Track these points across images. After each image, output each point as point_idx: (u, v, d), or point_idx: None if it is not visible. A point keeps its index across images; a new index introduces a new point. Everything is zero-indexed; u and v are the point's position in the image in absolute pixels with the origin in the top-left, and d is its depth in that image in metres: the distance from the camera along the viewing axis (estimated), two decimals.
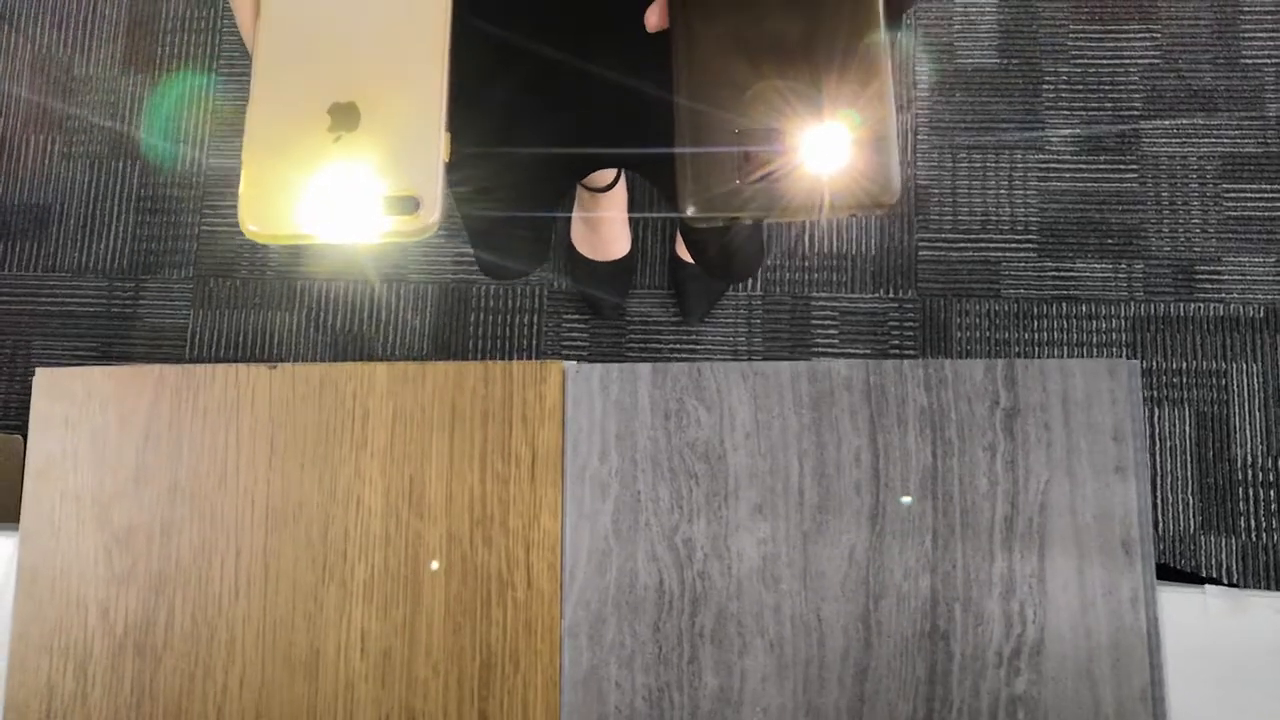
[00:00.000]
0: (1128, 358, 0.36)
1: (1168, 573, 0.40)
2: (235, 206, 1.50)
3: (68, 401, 0.39)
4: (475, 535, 0.37)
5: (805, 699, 0.35)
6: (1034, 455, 0.36)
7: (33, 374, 1.43)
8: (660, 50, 0.50)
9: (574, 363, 0.38)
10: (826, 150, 0.39)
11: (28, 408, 1.42)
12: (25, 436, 1.44)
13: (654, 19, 0.45)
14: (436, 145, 0.42)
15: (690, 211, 0.37)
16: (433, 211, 0.41)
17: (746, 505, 0.36)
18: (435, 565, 0.38)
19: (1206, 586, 0.36)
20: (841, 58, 0.41)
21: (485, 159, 0.87)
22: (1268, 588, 1.37)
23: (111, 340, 1.52)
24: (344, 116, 0.43)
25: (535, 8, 0.60)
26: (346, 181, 0.42)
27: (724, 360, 1.40)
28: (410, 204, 0.41)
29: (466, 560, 0.37)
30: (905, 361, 0.37)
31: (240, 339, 1.49)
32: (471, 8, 0.45)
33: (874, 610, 0.35)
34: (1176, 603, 0.35)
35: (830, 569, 0.36)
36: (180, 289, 1.52)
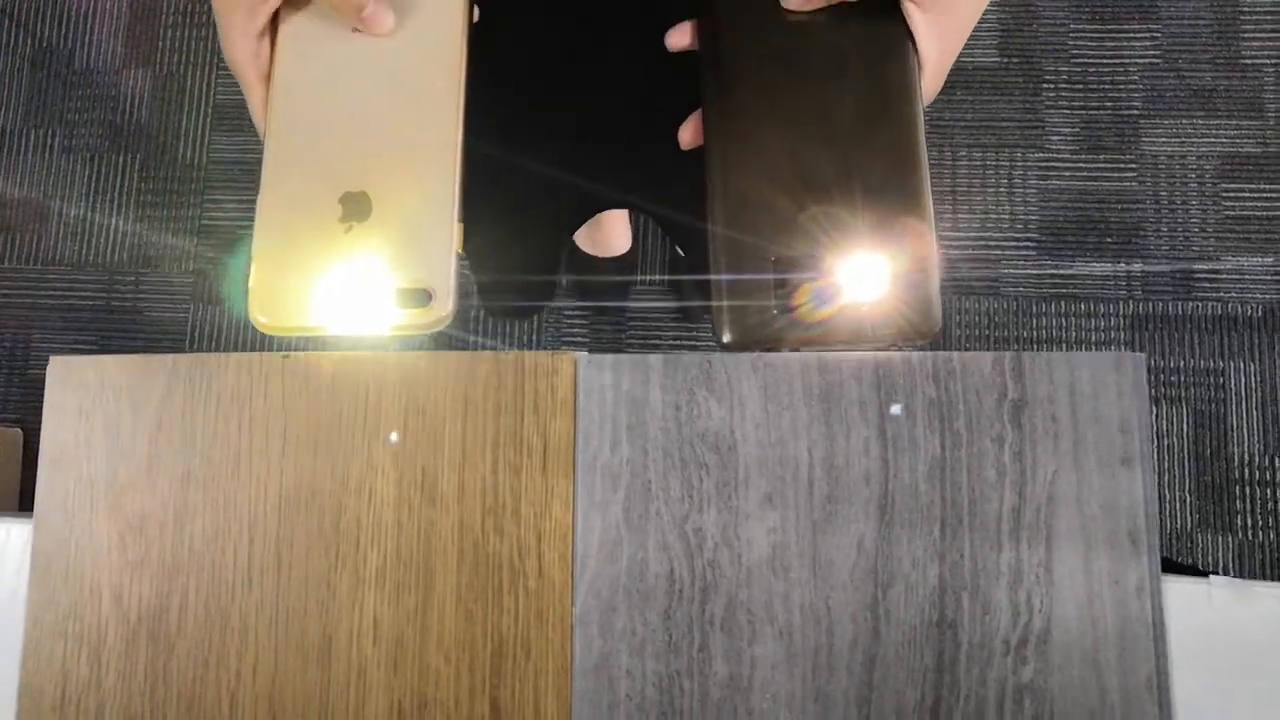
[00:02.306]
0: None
1: (1169, 566, 0.40)
2: (236, 201, 1.50)
3: (81, 390, 0.40)
4: (487, 524, 0.38)
5: (815, 686, 0.36)
6: (1041, 447, 0.36)
7: (32, 368, 1.43)
8: (667, 94, 0.50)
9: (585, 354, 0.38)
10: (866, 280, 0.39)
11: (27, 401, 1.42)
12: (25, 429, 1.44)
13: (687, 136, 0.45)
14: (449, 237, 0.42)
15: (727, 339, 0.37)
16: (445, 305, 0.40)
17: (756, 495, 0.37)
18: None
19: (1211, 577, 0.36)
20: (881, 184, 0.40)
21: (496, 246, 0.87)
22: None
23: (111, 334, 1.52)
24: (356, 206, 0.42)
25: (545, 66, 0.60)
26: (358, 273, 0.41)
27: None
28: (422, 297, 0.41)
29: (478, 549, 0.38)
30: (914, 354, 0.37)
31: (241, 333, 1.49)
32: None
33: (882, 599, 0.36)
34: (1181, 593, 0.36)
35: (839, 558, 0.36)
36: (180, 283, 1.52)
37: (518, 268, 1.01)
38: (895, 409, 0.37)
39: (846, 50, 0.42)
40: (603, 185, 0.75)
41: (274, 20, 0.45)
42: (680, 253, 1.37)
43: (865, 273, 0.39)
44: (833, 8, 0.42)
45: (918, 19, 0.42)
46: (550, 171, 0.70)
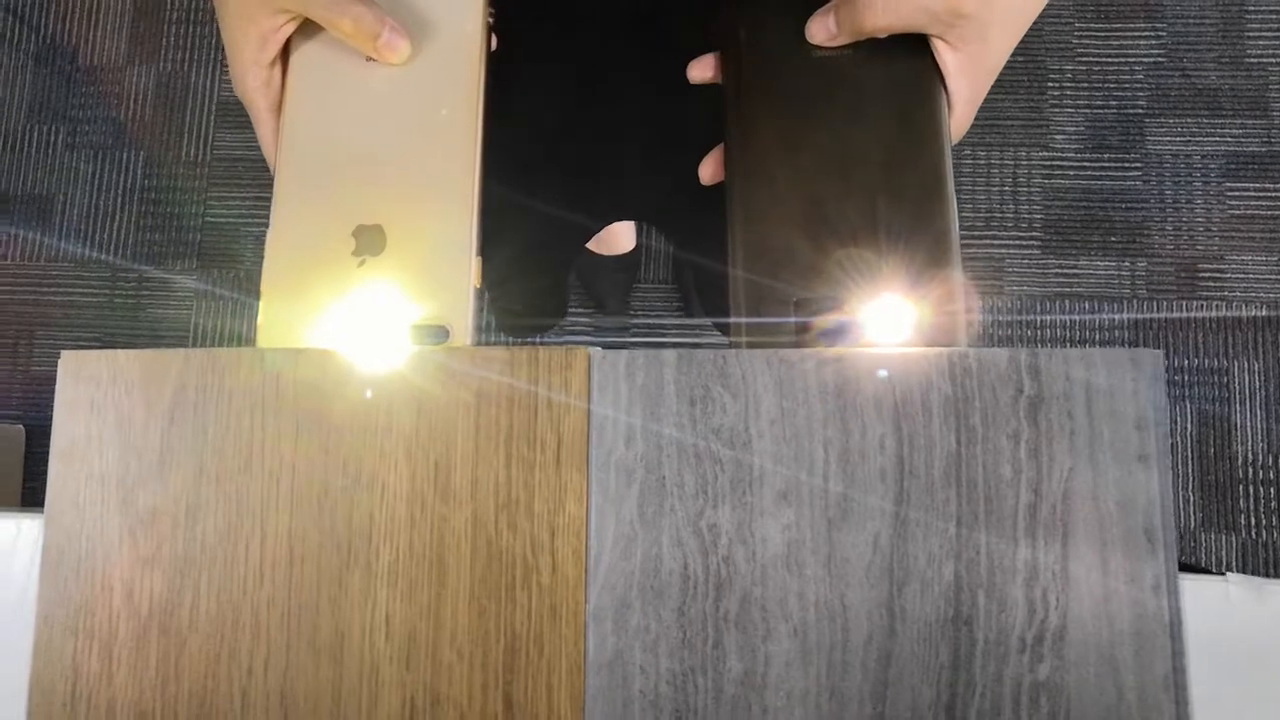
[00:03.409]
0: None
1: (1181, 567, 0.40)
2: (240, 198, 1.50)
3: (93, 384, 0.40)
4: (500, 520, 0.38)
5: (829, 683, 0.35)
6: (1057, 443, 0.36)
7: (35, 364, 1.43)
8: (683, 105, 0.49)
9: (599, 349, 0.38)
10: (890, 325, 0.38)
11: (30, 398, 1.42)
12: (28, 426, 1.44)
13: (708, 173, 0.44)
14: (467, 271, 0.40)
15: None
16: (463, 342, 0.39)
17: (771, 491, 0.37)
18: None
19: (1229, 575, 0.36)
20: (908, 228, 0.39)
21: (510, 278, 0.86)
22: None
23: (114, 331, 1.51)
24: (369, 240, 0.40)
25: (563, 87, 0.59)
26: (371, 309, 0.40)
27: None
28: (440, 334, 0.39)
29: (491, 544, 0.37)
30: (929, 350, 0.37)
31: (244, 331, 1.49)
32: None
33: (898, 596, 0.36)
34: (1198, 591, 0.36)
35: (854, 555, 0.36)
36: (184, 280, 1.52)
37: (532, 296, 1.00)
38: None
39: (874, 88, 0.41)
40: (616, 208, 0.75)
41: (285, 49, 0.44)
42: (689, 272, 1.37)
43: (890, 318, 0.38)
44: (862, 44, 0.41)
45: (948, 58, 0.40)
46: (564, 203, 0.70)
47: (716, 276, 0.40)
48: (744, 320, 0.39)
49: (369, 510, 0.38)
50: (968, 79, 0.41)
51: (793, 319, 0.39)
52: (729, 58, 0.43)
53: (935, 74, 0.41)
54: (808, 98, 0.41)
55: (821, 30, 0.41)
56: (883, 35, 0.40)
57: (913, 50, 0.41)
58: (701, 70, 0.44)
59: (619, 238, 1.35)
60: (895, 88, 0.41)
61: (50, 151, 1.54)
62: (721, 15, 0.43)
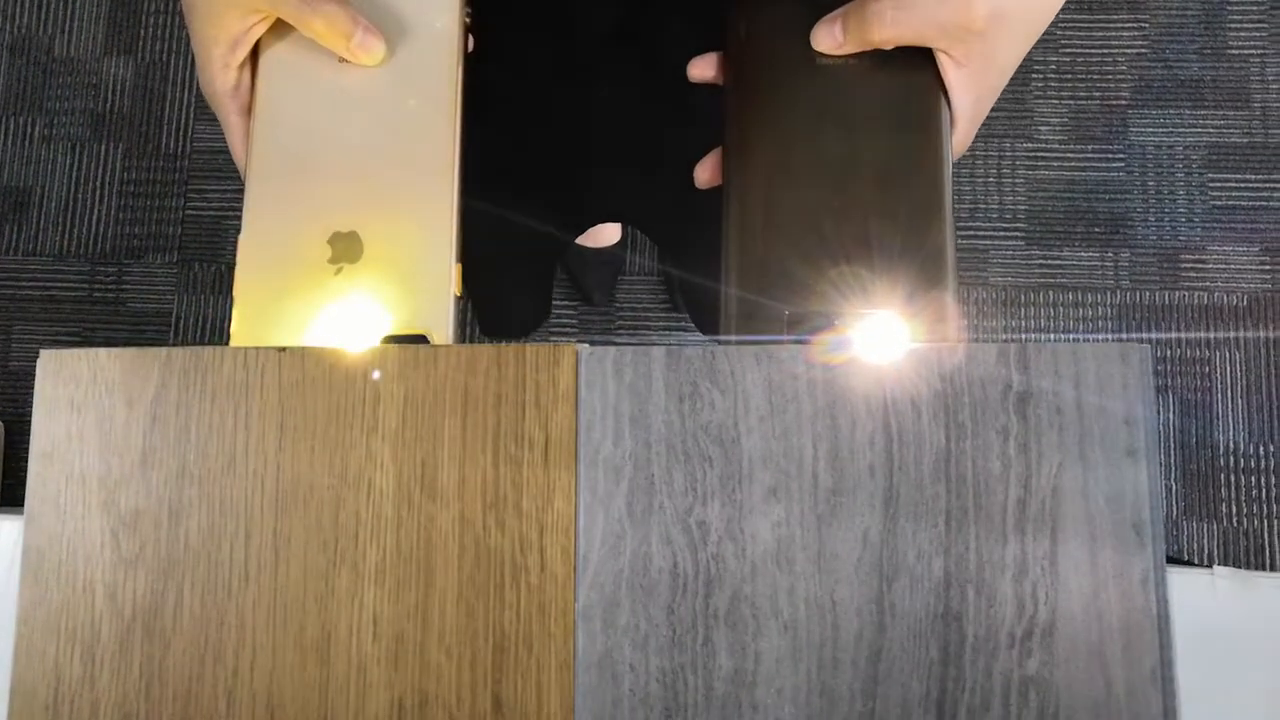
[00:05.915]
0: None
1: (1166, 560, 0.40)
2: (220, 191, 1.49)
3: (73, 384, 0.39)
4: (488, 518, 0.37)
5: (819, 680, 0.35)
6: (1046, 439, 0.36)
7: (13, 360, 1.41)
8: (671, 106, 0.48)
9: (587, 346, 0.38)
10: (881, 342, 0.37)
11: (6, 393, 1.40)
12: (5, 422, 1.41)
13: (705, 176, 0.43)
14: (447, 278, 0.39)
15: None
16: None
17: (760, 488, 0.36)
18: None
19: (1215, 568, 0.36)
20: (904, 245, 0.39)
21: (491, 284, 0.85)
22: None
23: (94, 326, 1.50)
24: (345, 247, 0.40)
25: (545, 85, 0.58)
26: (349, 318, 0.39)
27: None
28: (420, 343, 0.39)
29: (479, 543, 0.37)
30: (919, 345, 0.37)
31: (226, 325, 1.47)
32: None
33: (887, 592, 0.36)
34: (1185, 585, 0.36)
35: (844, 551, 0.36)
36: (164, 274, 1.50)
37: (514, 301, 1.00)
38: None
39: (877, 101, 0.40)
40: (600, 211, 0.74)
41: (255, 51, 0.43)
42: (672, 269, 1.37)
43: (881, 334, 0.38)
44: (866, 55, 0.41)
45: (953, 74, 0.40)
46: (547, 207, 0.69)
47: (705, 285, 0.39)
48: (734, 339, 0.39)
49: (355, 509, 0.38)
50: (971, 96, 0.40)
51: (785, 338, 0.38)
52: (732, 58, 0.42)
53: (939, 89, 0.40)
54: (811, 107, 0.41)
55: (828, 38, 0.40)
56: (890, 47, 0.40)
57: (918, 64, 0.40)
58: (703, 69, 0.44)
59: (604, 230, 1.35)
60: (898, 102, 0.40)
61: (27, 143, 1.52)
62: (726, 16, 0.42)
